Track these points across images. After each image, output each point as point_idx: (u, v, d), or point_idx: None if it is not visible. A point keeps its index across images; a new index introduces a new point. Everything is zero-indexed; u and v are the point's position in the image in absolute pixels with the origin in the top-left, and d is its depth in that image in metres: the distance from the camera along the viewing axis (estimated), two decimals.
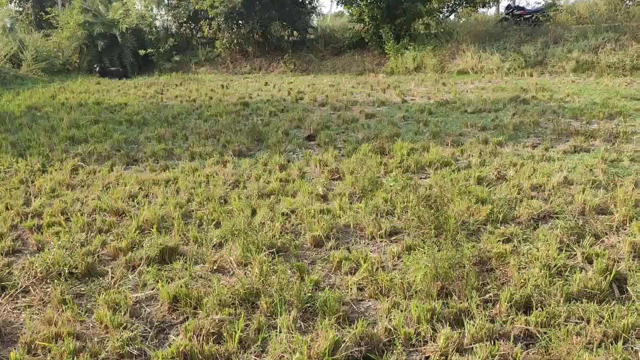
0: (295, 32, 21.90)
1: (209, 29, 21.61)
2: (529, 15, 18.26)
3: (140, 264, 3.73)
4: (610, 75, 13.13)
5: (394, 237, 4.17)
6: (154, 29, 23.07)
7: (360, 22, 19.39)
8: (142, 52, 21.92)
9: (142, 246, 3.98)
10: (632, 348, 2.57)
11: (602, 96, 10.09)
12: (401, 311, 2.99)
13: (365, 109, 10.07)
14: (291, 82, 15.59)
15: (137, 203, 5.06)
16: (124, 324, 2.96)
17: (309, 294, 3.16)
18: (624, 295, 3.12)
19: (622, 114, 8.24)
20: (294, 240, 4.07)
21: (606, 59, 14.30)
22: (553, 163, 5.86)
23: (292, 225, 4.41)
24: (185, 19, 22.56)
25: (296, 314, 2.98)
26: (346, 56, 20.13)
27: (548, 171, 5.47)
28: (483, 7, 21.36)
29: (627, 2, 17.91)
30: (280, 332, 2.85)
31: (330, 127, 8.57)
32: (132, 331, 2.89)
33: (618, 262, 3.48)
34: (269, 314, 3.05)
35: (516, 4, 19.56)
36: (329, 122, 8.88)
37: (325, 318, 2.94)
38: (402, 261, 3.68)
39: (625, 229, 3.99)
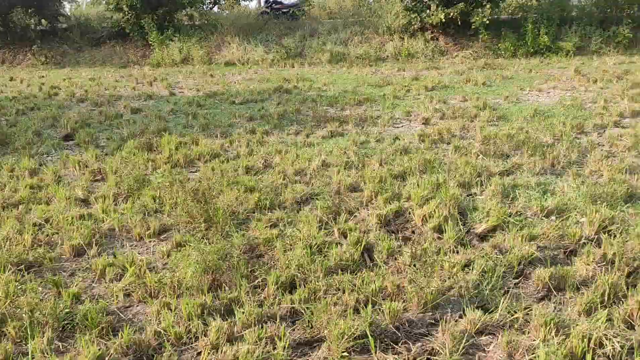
0: (43, 21, 19.62)
1: None
2: (286, 10, 19.32)
3: None
4: (359, 66, 14.65)
5: (163, 236, 4.05)
6: None
7: (118, 11, 18.24)
8: None
9: None
10: (379, 309, 2.91)
11: (353, 85, 11.22)
12: (171, 311, 2.92)
13: (130, 103, 9.56)
14: (43, 77, 14.02)
15: None
16: None
17: (67, 310, 2.89)
18: (373, 262, 3.52)
19: (369, 100, 9.27)
20: (49, 253, 3.67)
21: (354, 51, 15.90)
22: (313, 148, 6.32)
23: (47, 235, 3.98)
24: None
25: (51, 334, 2.70)
26: (106, 48, 18.79)
27: (309, 156, 5.88)
28: (245, 0, 21.92)
29: None
30: (32, 358, 2.54)
31: (92, 124, 7.95)
32: None
33: (367, 233, 3.91)
34: (18, 340, 2.71)
35: None
36: (89, 119, 8.22)
37: (86, 333, 2.72)
38: (172, 259, 3.59)
39: (373, 203, 4.50)
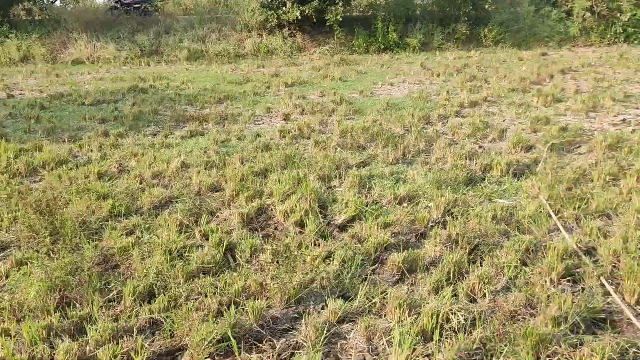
0: None
1: None
2: (138, 5, 18.41)
3: None
4: (218, 63, 14.42)
5: (1, 254, 3.64)
6: None
7: None
8: None
9: None
10: (243, 309, 2.89)
11: (212, 82, 11.01)
12: (11, 337, 2.64)
13: None
14: None
15: None
16: None
17: None
18: (236, 263, 3.48)
19: (229, 98, 9.16)
20: None
21: (213, 48, 15.62)
22: (172, 149, 6.09)
23: None
24: None
25: None
26: None
27: (167, 157, 5.66)
28: None
29: None
30: None
31: None
32: None
33: (230, 233, 3.86)
34: None
35: None
36: None
37: None
38: (11, 280, 3.24)
39: (235, 202, 4.45)
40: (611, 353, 2.34)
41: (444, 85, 10.09)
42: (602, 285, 3.06)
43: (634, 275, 2.98)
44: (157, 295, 3.01)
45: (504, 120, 7.32)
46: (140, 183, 4.93)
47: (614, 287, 3.03)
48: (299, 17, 15.88)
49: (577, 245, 3.49)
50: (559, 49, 15.95)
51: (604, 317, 2.76)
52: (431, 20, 16.98)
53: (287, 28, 16.60)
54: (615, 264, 3.27)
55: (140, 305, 2.94)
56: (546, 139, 6.10)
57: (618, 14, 16.57)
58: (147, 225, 4.00)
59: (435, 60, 14.01)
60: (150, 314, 2.84)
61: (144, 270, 3.24)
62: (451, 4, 17.28)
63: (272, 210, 4.26)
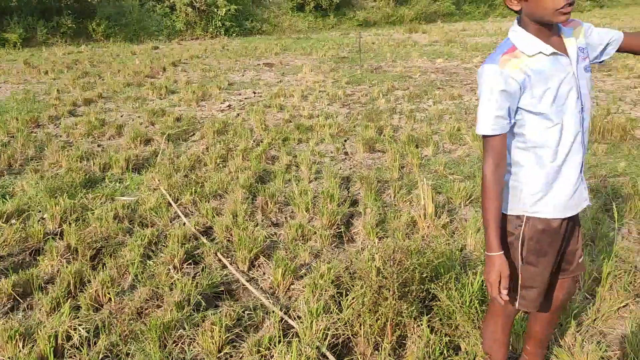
0: None
1: None
2: None
3: None
4: None
5: None
6: None
7: None
8: None
9: None
10: None
11: None
12: None
13: None
14: None
15: None
16: None
17: None
18: None
19: None
20: None
21: None
22: None
23: None
24: None
25: None
26: None
27: None
28: None
29: None
30: None
31: None
32: None
33: None
34: None
35: None
36: None
37: None
38: None
39: None
40: (227, 322, 2.57)
41: (54, 84, 9.33)
42: (219, 260, 3.34)
43: (244, 244, 3.33)
44: None
45: (121, 116, 7.23)
46: None
47: (229, 260, 3.35)
48: None
49: (195, 227, 3.72)
50: (169, 43, 16.66)
51: (222, 289, 3.02)
52: (31, 12, 15.39)
53: None
54: (229, 238, 3.61)
55: None
56: (163, 130, 6.29)
57: (215, 9, 18.27)
58: None
59: (41, 57, 12.81)
60: None
61: None
62: None
63: None
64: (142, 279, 3.06)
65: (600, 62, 1.88)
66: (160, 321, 2.51)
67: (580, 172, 1.78)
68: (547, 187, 1.75)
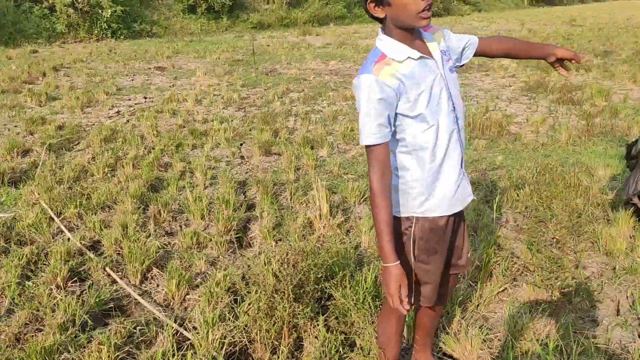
0: None
1: None
2: None
3: None
4: None
5: None
6: None
7: None
8: None
9: None
10: None
11: None
12: None
13: None
14: None
15: None
16: None
17: None
18: None
19: None
20: None
21: None
22: None
23: None
24: None
25: None
26: None
27: None
28: None
29: None
30: None
31: None
32: None
33: None
34: None
35: None
36: None
37: None
38: None
39: None
40: (117, 340, 2.44)
41: None
42: (109, 275, 3.16)
43: (134, 257, 3.18)
44: None
45: None
46: None
47: (119, 274, 3.18)
48: None
49: (80, 242, 3.50)
50: (49, 46, 15.58)
51: (112, 306, 2.86)
52: None
53: None
54: (118, 251, 3.43)
55: None
56: (43, 140, 5.87)
57: (100, 11, 17.36)
58: None
59: None
60: None
61: None
62: None
63: None
64: (20, 302, 2.82)
65: (460, 65, 2.00)
66: (40, 346, 2.33)
67: (461, 168, 1.87)
68: (430, 187, 1.80)
